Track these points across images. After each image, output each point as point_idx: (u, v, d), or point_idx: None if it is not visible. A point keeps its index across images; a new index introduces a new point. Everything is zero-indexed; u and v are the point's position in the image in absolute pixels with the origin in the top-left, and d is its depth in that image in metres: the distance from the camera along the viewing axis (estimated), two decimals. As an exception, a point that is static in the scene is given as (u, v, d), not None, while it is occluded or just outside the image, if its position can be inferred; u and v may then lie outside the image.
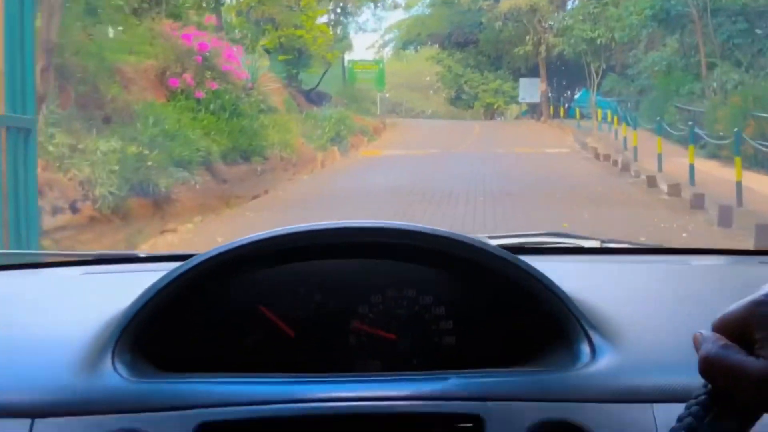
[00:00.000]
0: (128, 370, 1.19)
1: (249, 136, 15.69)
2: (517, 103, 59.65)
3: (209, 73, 15.45)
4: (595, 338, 1.23)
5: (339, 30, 28.37)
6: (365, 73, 32.03)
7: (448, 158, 18.45)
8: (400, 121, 33.22)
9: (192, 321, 1.33)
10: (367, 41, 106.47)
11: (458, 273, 1.36)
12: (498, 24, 31.14)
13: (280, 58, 22.76)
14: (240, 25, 22.59)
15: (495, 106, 58.90)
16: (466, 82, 57.71)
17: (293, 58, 22.84)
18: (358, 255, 1.37)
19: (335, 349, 1.36)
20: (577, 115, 28.52)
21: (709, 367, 0.72)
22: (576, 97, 36.57)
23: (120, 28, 15.47)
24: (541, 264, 1.32)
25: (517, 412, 1.13)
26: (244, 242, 1.27)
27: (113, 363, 1.19)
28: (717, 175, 12.95)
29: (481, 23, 35.53)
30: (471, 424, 1.12)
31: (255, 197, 12.90)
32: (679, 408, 0.76)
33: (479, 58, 49.47)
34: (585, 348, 1.23)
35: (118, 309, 1.28)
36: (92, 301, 1.53)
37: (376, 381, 1.22)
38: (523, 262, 1.30)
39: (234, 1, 22.94)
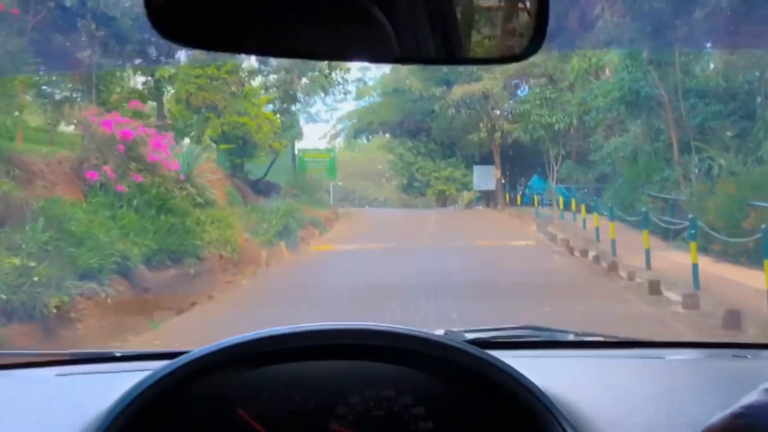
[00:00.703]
0: None
1: (180, 234, 13.29)
2: (469, 189, 58.49)
3: (134, 164, 13.14)
4: None
5: (287, 118, 26.25)
6: (316, 162, 29.94)
7: (406, 253, 16.24)
8: (353, 210, 31.02)
9: (170, 424, 1.29)
10: (319, 131, 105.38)
11: (435, 372, 1.34)
12: (450, 111, 29.37)
13: (222, 147, 20.48)
14: (179, 113, 20.32)
15: (447, 194, 57.43)
16: (417, 170, 55.99)
17: (237, 147, 20.57)
18: (335, 356, 1.35)
19: None
20: (536, 203, 26.60)
21: None
22: (529, 183, 34.89)
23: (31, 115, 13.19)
24: (516, 358, 1.31)
25: None
26: (221, 347, 1.27)
27: None
28: (718, 274, 10.88)
29: (433, 111, 33.83)
30: None
31: (180, 312, 10.44)
32: None
33: (431, 146, 47.88)
34: None
35: (95, 412, 1.24)
36: (68, 404, 1.49)
37: None
38: (497, 359, 1.29)
39: (173, 90, 20.69)
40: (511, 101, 28.68)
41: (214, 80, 20.15)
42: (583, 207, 19.25)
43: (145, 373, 1.27)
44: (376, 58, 1.11)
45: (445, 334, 1.50)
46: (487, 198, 37.82)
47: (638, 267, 12.09)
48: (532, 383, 1.26)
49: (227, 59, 20.39)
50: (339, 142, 70.76)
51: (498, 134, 28.27)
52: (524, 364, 1.29)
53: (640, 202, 18.30)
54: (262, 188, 24.38)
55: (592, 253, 14.16)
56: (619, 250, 14.12)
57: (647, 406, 1.44)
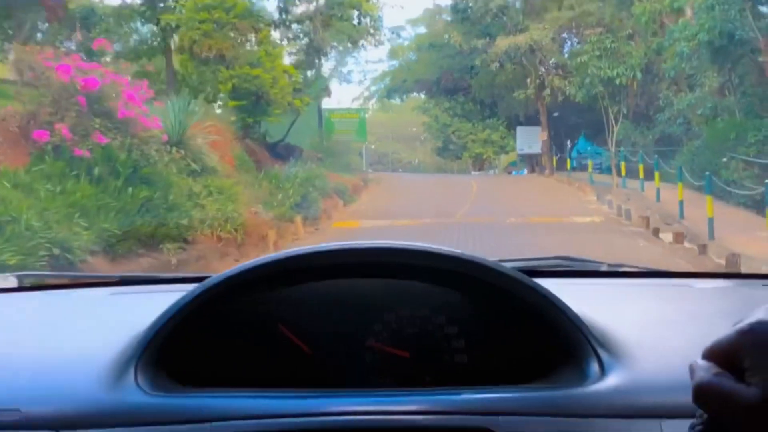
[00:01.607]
0: (150, 385, 1.19)
1: (160, 211, 10.17)
2: (507, 152, 54.90)
3: (98, 121, 9.98)
4: (604, 357, 1.21)
5: (310, 73, 22.89)
6: (344, 122, 26.67)
7: (446, 233, 13.00)
8: (385, 176, 27.73)
9: (212, 338, 1.32)
10: (350, 92, 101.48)
11: (471, 293, 1.35)
12: (494, 66, 25.77)
13: (231, 104, 17.21)
14: (182, 64, 17.07)
15: (484, 157, 54.06)
16: (453, 132, 52.92)
17: (249, 103, 17.28)
18: (373, 275, 1.35)
19: (350, 366, 1.34)
20: (589, 168, 23.12)
21: (702, 395, 0.71)
22: (575, 146, 31.29)
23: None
24: (551, 286, 1.29)
25: (528, 426, 1.13)
26: (260, 263, 1.26)
27: (136, 378, 1.20)
28: None
29: (472, 67, 30.26)
30: None
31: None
32: (686, 423, 0.75)
33: (468, 107, 44.28)
34: (594, 366, 1.21)
35: (143, 327, 1.27)
36: (118, 319, 1.52)
37: (390, 396, 1.20)
38: (535, 282, 1.28)
39: (176, 39, 17.42)
40: (563, 54, 25.08)
41: (222, 26, 16.89)
42: (656, 174, 15.73)
43: None
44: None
45: (485, 259, 1.29)
46: (530, 162, 34.23)
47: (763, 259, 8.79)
48: (565, 305, 1.24)
49: (236, 1, 17.11)
50: (371, 103, 67.56)
51: (547, 91, 24.68)
52: (558, 290, 1.27)
53: (728, 168, 14.82)
54: (281, 152, 21.16)
55: (689, 239, 10.77)
56: (716, 231, 10.83)
57: (676, 329, 1.42)
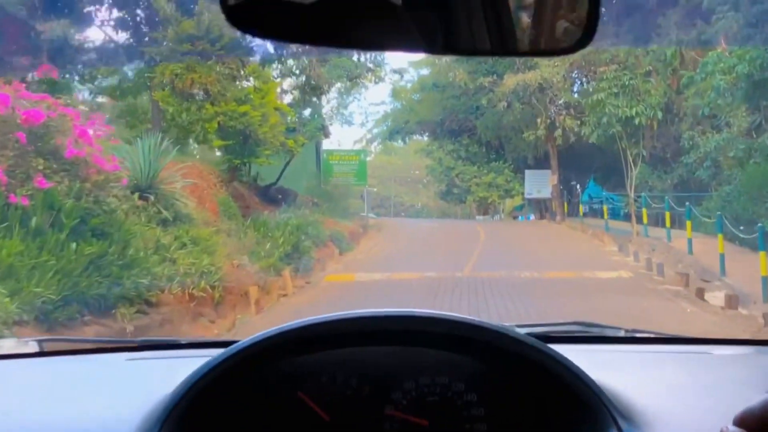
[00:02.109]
0: None
1: (113, 268, 8.49)
2: (512, 197, 53.29)
3: (41, 161, 8.36)
4: (624, 426, 1.20)
5: (307, 112, 21.34)
6: (344, 165, 25.04)
7: (453, 288, 11.33)
8: (386, 222, 26.06)
9: (233, 405, 1.32)
10: (350, 134, 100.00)
11: (489, 360, 1.33)
12: (501, 105, 24.22)
13: (215, 143, 15.63)
14: (164, 101, 15.49)
15: (489, 201, 52.42)
16: (457, 175, 51.20)
17: (235, 143, 15.68)
18: (392, 342, 1.34)
19: None
20: (605, 214, 21.42)
21: None
22: (586, 190, 29.69)
23: None
24: (568, 352, 1.28)
25: None
26: (282, 330, 1.29)
27: None
28: None
29: (478, 107, 28.78)
30: None
31: None
32: None
33: (473, 149, 42.69)
34: None
35: (162, 394, 1.27)
36: (137, 386, 1.54)
37: None
38: (552, 349, 1.27)
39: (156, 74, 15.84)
40: (575, 93, 23.54)
41: (207, 58, 15.34)
42: (688, 223, 14.03)
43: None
44: (431, 48, 1.09)
45: (501, 326, 1.30)
46: (538, 207, 32.59)
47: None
48: (584, 373, 1.23)
49: (223, 32, 15.56)
50: (374, 146, 66.19)
51: (558, 132, 23.07)
52: (576, 357, 1.25)
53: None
54: (274, 196, 19.53)
55: (745, 306, 9.03)
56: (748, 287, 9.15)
57: (696, 398, 1.41)
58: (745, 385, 1.48)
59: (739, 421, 0.73)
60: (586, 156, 27.10)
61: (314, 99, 20.91)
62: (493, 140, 28.84)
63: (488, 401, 1.34)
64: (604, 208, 21.48)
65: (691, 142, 17.85)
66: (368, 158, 65.67)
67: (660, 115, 18.82)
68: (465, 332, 1.29)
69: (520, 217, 44.35)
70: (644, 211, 17.79)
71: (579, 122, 23.06)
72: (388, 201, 61.90)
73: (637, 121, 18.59)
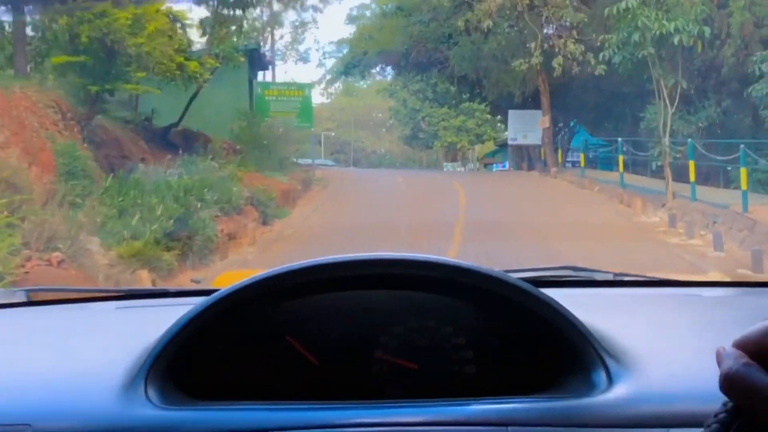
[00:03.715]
0: (159, 397, 1.18)
1: None
2: (482, 142, 48.06)
3: None
4: (612, 366, 1.20)
5: (228, 29, 15.59)
6: (283, 102, 19.48)
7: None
8: (336, 174, 20.55)
9: (220, 351, 1.30)
10: (312, 75, 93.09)
11: (478, 304, 1.33)
12: (486, 24, 18.70)
13: (54, 60, 10.04)
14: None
15: (458, 147, 47.21)
16: (423, 118, 45.95)
17: (91, 61, 10.11)
18: (381, 286, 1.33)
19: (359, 378, 1.33)
20: (620, 166, 16.28)
21: (730, 384, 0.70)
22: (575, 136, 24.45)
23: None
24: (557, 296, 1.28)
25: None
26: (268, 275, 1.25)
27: (146, 392, 1.18)
28: None
29: (450, 36, 23.29)
30: None
31: None
32: None
33: (443, 87, 37.27)
34: (601, 375, 1.20)
35: (150, 341, 1.26)
36: (126, 333, 1.51)
37: (399, 407, 1.18)
38: (542, 292, 1.27)
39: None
40: (581, 12, 18.07)
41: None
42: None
43: None
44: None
45: (492, 270, 1.29)
46: (519, 155, 27.36)
47: None
48: (572, 315, 1.23)
49: None
50: (334, 87, 60.22)
51: (558, 59, 17.70)
52: (564, 300, 1.25)
53: None
54: (176, 142, 14.08)
55: None
56: None
57: (683, 338, 1.42)
58: (735, 324, 1.38)
59: (738, 344, 0.71)
60: (582, 93, 21.90)
61: (236, 12, 15.21)
62: (470, 74, 23.26)
63: (476, 344, 1.32)
64: (620, 158, 16.29)
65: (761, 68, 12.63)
66: (327, 100, 59.10)
67: (708, 32, 13.55)
68: (454, 275, 1.25)
69: (494, 165, 39.09)
70: (691, 164, 12.59)
71: (583, 48, 17.74)
72: (347, 146, 56.24)
73: (676, 39, 13.29)
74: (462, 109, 42.78)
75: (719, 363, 0.72)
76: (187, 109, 13.85)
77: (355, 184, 17.83)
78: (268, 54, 23.98)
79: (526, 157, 25.58)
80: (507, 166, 35.94)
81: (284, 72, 62.00)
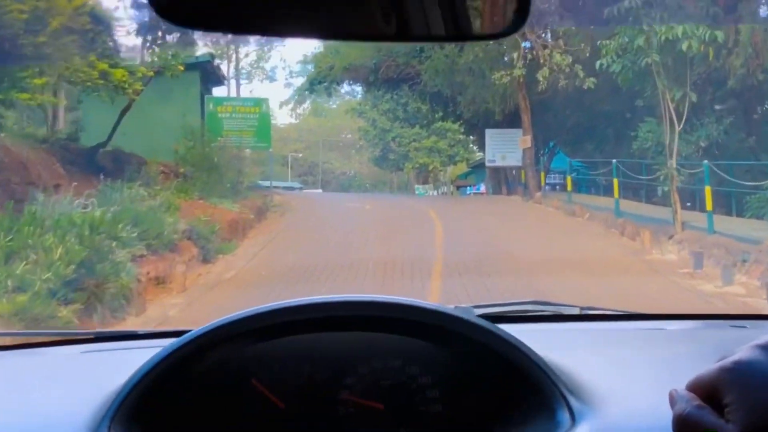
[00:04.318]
0: None
1: None
2: (455, 163, 46.22)
3: None
4: (575, 405, 1.20)
5: (165, 37, 13.51)
6: (237, 119, 17.44)
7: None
8: (298, 200, 18.48)
9: (185, 395, 1.28)
10: (280, 95, 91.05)
11: (441, 343, 1.31)
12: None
13: None
14: None
15: (430, 168, 45.32)
16: (393, 139, 44.09)
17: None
18: (344, 328, 1.32)
19: (325, 420, 1.30)
20: (615, 191, 14.42)
21: (683, 426, 0.71)
22: (554, 158, 22.61)
23: None
24: (521, 332, 1.28)
25: None
26: (234, 319, 1.25)
27: None
28: None
29: (422, 50, 21.43)
30: None
31: None
32: None
33: (413, 105, 35.41)
34: (565, 415, 1.18)
35: (117, 385, 1.23)
36: (91, 378, 1.46)
37: None
38: (502, 330, 1.27)
39: None
40: (568, 19, 16.22)
41: None
42: None
43: None
44: (376, 35, 1.05)
45: (455, 309, 1.34)
46: (495, 178, 25.48)
47: None
48: (534, 352, 1.23)
49: None
50: (303, 108, 58.18)
51: (544, 71, 15.82)
52: (529, 336, 1.26)
53: None
54: (106, 165, 11.98)
55: None
56: None
57: (648, 373, 1.41)
58: (698, 358, 1.33)
59: (691, 387, 0.73)
60: (565, 111, 20.10)
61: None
62: (444, 90, 21.36)
63: (442, 383, 1.29)
64: (615, 182, 14.42)
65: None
66: (295, 121, 56.83)
67: (721, 37, 11.74)
68: (416, 317, 1.25)
69: (467, 189, 37.19)
70: (707, 190, 10.70)
71: (570, 59, 15.93)
72: (315, 168, 54.18)
73: (684, 45, 11.46)
74: (434, 130, 40.92)
75: (672, 405, 0.73)
76: (117, 125, 11.76)
77: (317, 211, 15.75)
78: (224, 68, 21.89)
79: (504, 180, 23.71)
80: (482, 188, 34.08)
81: (249, 92, 59.66)
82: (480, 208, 16.28)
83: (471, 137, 32.40)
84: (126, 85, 10.42)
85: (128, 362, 1.27)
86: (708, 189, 10.62)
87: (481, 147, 28.48)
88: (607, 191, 18.91)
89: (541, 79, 15.81)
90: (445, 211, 15.10)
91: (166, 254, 9.62)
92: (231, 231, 11.87)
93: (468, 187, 36.42)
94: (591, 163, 19.12)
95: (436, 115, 30.37)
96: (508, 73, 16.25)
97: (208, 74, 18.55)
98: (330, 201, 19.78)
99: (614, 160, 14.89)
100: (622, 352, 1.60)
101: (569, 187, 17.18)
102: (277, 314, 1.26)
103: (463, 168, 43.18)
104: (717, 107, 14.47)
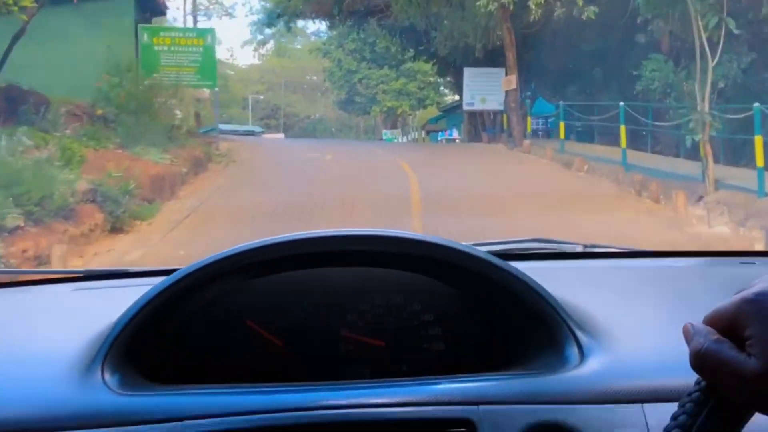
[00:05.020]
0: (118, 383, 1.10)
1: None
2: (425, 107, 43.55)
3: None
4: (583, 340, 1.14)
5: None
6: (177, 53, 14.74)
7: None
8: (250, 146, 15.94)
9: (180, 333, 1.21)
10: (242, 36, 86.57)
11: (446, 279, 1.26)
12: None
13: None
14: None
15: (398, 112, 42.71)
16: (360, 81, 41.38)
17: None
18: (345, 263, 1.25)
19: (324, 358, 1.25)
20: (622, 139, 12.13)
21: (701, 361, 0.67)
22: (537, 101, 20.17)
23: None
24: (526, 268, 1.21)
25: (509, 415, 1.06)
26: (227, 254, 1.16)
27: (102, 376, 1.10)
28: None
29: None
30: (463, 429, 1.04)
31: None
32: (669, 407, 0.71)
33: (381, 44, 32.68)
34: (573, 350, 1.13)
35: (109, 323, 1.17)
36: (83, 316, 1.40)
37: (366, 388, 1.10)
38: (510, 266, 1.20)
39: None
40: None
41: None
42: None
43: None
44: None
45: (459, 244, 1.21)
46: (471, 123, 22.99)
47: None
48: (541, 287, 1.17)
49: None
50: (266, 48, 54.78)
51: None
52: (532, 274, 1.18)
53: None
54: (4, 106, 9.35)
55: None
56: None
57: (654, 307, 1.36)
58: (708, 293, 1.41)
59: (708, 320, 0.69)
60: (552, 48, 17.66)
61: None
62: (418, 23, 18.72)
63: (445, 320, 1.25)
64: (622, 129, 12.08)
65: None
66: (258, 62, 53.25)
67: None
68: (421, 251, 1.18)
69: (440, 134, 34.67)
70: (758, 140, 8.40)
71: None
72: (278, 112, 51.15)
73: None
74: (403, 71, 38.20)
75: (687, 339, 0.69)
76: (5, 56, 9.08)
77: (268, 162, 13.24)
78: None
79: (481, 126, 21.33)
80: (454, 134, 31.64)
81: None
82: (459, 160, 13.84)
83: (446, 79, 29.79)
84: (9, 3, 7.76)
85: (120, 300, 1.20)
86: (759, 139, 8.32)
87: (456, 89, 25.89)
88: (605, 139, 16.65)
89: (533, 6, 13.27)
90: (418, 162, 12.66)
91: (56, 224, 7.18)
92: (154, 189, 9.40)
93: (440, 133, 33.91)
94: (583, 107, 16.78)
95: (407, 54, 27.59)
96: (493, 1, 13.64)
97: (145, 2, 15.77)
98: (287, 148, 17.19)
99: (621, 103, 12.52)
100: (629, 289, 1.52)
101: (562, 135, 14.80)
102: (273, 249, 1.16)
103: (433, 112, 40.60)
104: (736, 42, 12.13)
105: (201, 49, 14.92)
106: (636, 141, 13.94)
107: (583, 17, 13.30)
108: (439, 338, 1.27)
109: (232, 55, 54.66)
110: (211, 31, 15.69)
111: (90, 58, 12.35)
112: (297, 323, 1.25)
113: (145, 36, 14.68)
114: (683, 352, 0.69)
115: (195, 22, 39.68)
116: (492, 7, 13.56)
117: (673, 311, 1.34)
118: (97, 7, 14.11)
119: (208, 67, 15.02)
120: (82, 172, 8.56)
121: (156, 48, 14.69)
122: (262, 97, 49.52)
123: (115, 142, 10.32)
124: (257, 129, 40.70)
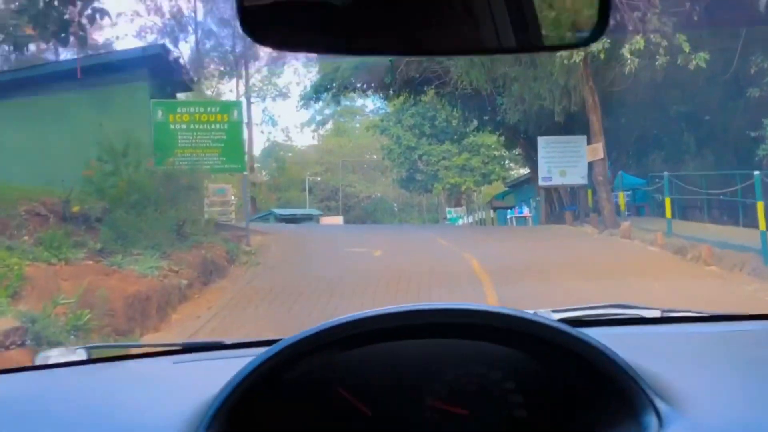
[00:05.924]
0: None
1: None
2: (489, 183, 40.73)
3: None
4: (662, 408, 1.14)
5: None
6: (196, 130, 12.34)
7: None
8: (293, 237, 13.28)
9: (276, 404, 1.27)
10: (300, 117, 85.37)
11: (524, 348, 1.29)
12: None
13: None
14: None
15: (462, 189, 40.01)
16: (420, 157, 38.90)
17: None
18: (427, 335, 1.29)
19: (411, 426, 1.29)
20: (762, 222, 9.11)
21: None
22: (620, 176, 17.14)
23: None
24: (602, 336, 1.23)
25: None
26: (324, 328, 1.23)
27: None
28: None
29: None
30: None
31: None
32: None
33: (440, 119, 30.34)
34: (652, 418, 1.13)
35: (208, 394, 1.22)
36: (184, 387, 1.48)
37: None
38: (584, 333, 1.23)
39: None
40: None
41: None
42: None
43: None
44: (455, 50, 1.09)
45: (534, 314, 1.29)
46: (549, 201, 20.05)
47: None
48: (618, 356, 1.18)
49: None
50: (325, 129, 52.90)
51: (639, 41, 10.42)
52: (610, 340, 1.20)
53: None
54: None
55: None
56: None
57: (736, 376, 1.33)
58: None
59: None
60: (645, 107, 14.83)
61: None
62: (483, 87, 16.06)
63: (526, 388, 1.28)
64: (759, 206, 9.08)
65: None
66: (316, 143, 50.98)
67: None
68: (499, 323, 1.22)
69: (508, 211, 31.74)
70: None
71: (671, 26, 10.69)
72: (336, 193, 48.95)
73: None
74: (465, 146, 35.69)
75: None
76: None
77: (299, 261, 10.52)
78: (189, 66, 16.74)
79: (557, 202, 18.43)
80: (525, 211, 28.72)
81: (261, 111, 55.06)
82: (545, 250, 10.86)
83: (512, 152, 27.08)
84: None
85: (220, 372, 1.24)
86: None
87: (527, 161, 23.07)
88: (714, 216, 13.58)
89: (626, 55, 10.46)
90: (493, 256, 9.77)
91: None
92: (132, 316, 6.74)
93: (509, 210, 31.01)
94: (687, 177, 13.78)
95: (469, 127, 24.96)
96: (569, 59, 10.85)
97: (159, 73, 13.48)
98: (331, 240, 14.38)
99: (756, 172, 9.52)
100: (707, 355, 1.52)
101: (668, 213, 11.76)
102: (367, 322, 1.24)
103: (499, 188, 37.88)
104: None
105: (226, 125, 12.49)
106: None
107: (691, 66, 10.40)
108: (521, 406, 1.28)
109: (288, 137, 52.90)
110: (237, 104, 13.33)
111: (83, 142, 10.06)
112: (384, 393, 1.27)
113: (159, 113, 12.32)
114: (764, 420, 0.63)
115: (249, 104, 38.11)
116: (577, 58, 10.76)
117: (750, 379, 1.28)
118: (102, 81, 11.94)
119: (235, 146, 12.58)
120: (18, 299, 5.98)
121: (172, 126, 12.29)
122: (320, 179, 47.53)
123: (92, 249, 7.75)
124: (314, 212, 38.45)
